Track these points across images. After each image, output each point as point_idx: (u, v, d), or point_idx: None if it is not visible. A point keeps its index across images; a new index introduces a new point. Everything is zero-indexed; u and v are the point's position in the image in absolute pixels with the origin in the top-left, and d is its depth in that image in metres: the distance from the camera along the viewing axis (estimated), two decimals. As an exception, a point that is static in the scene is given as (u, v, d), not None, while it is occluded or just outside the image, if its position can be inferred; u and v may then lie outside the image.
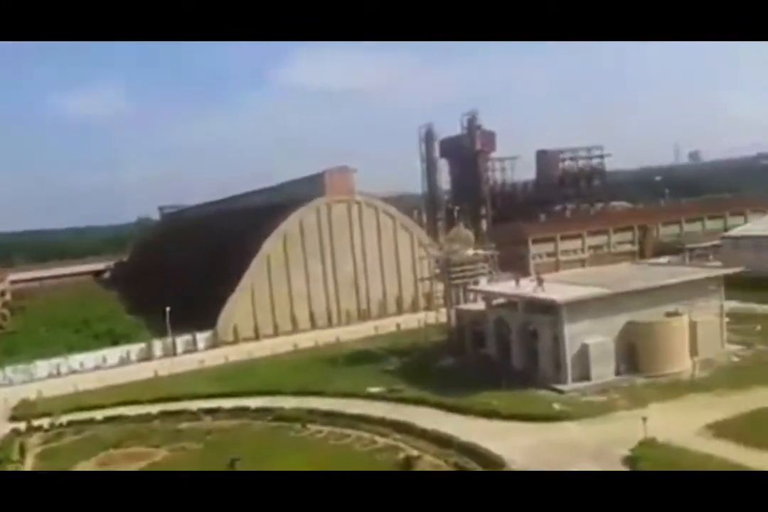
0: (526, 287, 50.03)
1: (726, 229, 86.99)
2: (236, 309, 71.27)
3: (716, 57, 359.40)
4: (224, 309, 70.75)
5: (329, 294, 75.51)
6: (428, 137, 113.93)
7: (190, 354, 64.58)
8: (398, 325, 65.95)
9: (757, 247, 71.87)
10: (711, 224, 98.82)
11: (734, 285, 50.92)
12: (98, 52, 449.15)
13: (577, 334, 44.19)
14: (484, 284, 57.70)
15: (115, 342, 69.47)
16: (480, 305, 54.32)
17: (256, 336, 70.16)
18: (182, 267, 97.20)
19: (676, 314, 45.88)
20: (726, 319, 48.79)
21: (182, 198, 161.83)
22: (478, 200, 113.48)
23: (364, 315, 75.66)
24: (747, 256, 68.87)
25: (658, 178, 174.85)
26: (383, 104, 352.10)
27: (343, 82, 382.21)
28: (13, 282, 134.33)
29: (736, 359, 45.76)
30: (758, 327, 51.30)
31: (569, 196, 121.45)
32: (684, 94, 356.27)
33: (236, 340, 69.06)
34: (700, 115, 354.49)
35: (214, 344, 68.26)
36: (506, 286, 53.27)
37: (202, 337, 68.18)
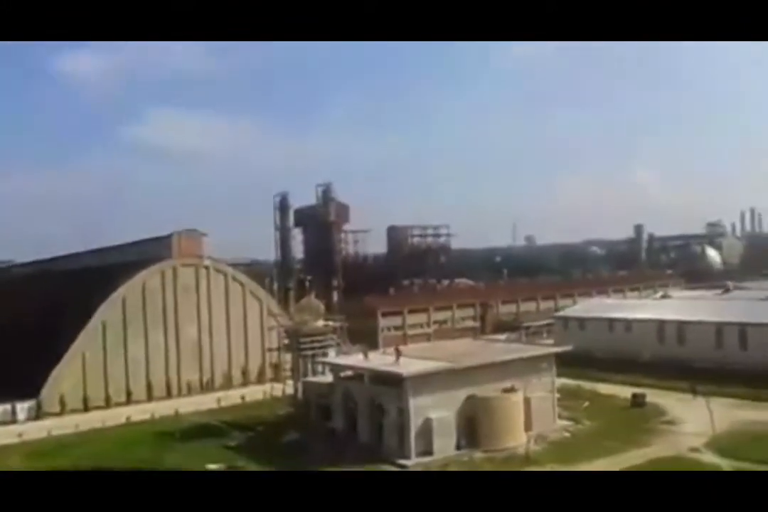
0: (375, 360, 50.69)
1: (557, 309, 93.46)
2: (64, 378, 65.88)
3: (548, 150, 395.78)
4: (50, 378, 65.13)
5: (170, 363, 71.98)
6: (282, 206, 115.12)
7: (7, 426, 58.46)
8: (243, 397, 63.89)
9: (583, 327, 77.85)
10: (544, 304, 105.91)
11: (564, 363, 54.55)
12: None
13: (421, 408, 45.01)
14: (333, 356, 57.81)
15: None
16: (328, 378, 54.14)
17: (86, 408, 64.78)
18: (5, 329, 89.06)
19: (512, 390, 48.11)
20: (557, 395, 51.80)
21: (10, 253, 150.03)
22: (330, 271, 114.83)
23: (207, 387, 72.59)
24: (575, 335, 74.38)
25: (498, 258, 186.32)
26: (237, 170, 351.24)
27: (192, 144, 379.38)
28: None
29: (566, 434, 48.38)
30: (586, 404, 54.80)
31: (417, 271, 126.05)
32: (521, 181, 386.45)
33: (63, 412, 63.38)
34: (536, 202, 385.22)
35: (36, 415, 62.29)
36: (355, 359, 53.67)
37: (22, 407, 61.98)
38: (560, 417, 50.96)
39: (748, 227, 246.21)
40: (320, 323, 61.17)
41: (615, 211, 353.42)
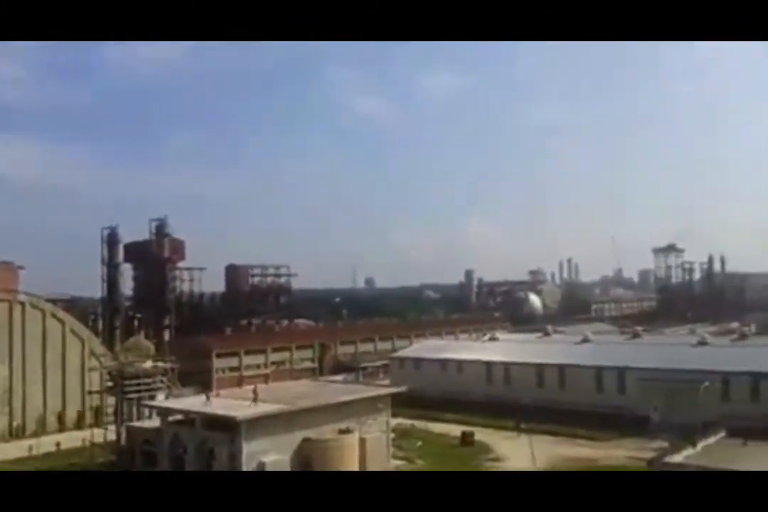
0: (207, 403, 48.67)
1: (394, 350, 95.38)
2: None
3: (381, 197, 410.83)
4: None
5: (-26, 407, 64.78)
6: (111, 240, 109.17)
7: None
8: (59, 444, 58.51)
9: (418, 367, 79.95)
10: (382, 345, 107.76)
11: (399, 403, 55.47)
12: None
13: (255, 452, 43.66)
14: (161, 399, 54.82)
15: None
16: (156, 422, 51.13)
17: None
18: None
19: (348, 431, 48.07)
20: (392, 435, 52.42)
21: None
22: (162, 309, 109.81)
23: (17, 433, 65.82)
24: (410, 375, 76.18)
25: (337, 299, 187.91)
26: (58, 202, 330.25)
27: (9, 173, 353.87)
28: None
29: (399, 474, 48.87)
30: (419, 443, 55.86)
31: (256, 311, 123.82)
32: (362, 224, 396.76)
33: None
34: (375, 246, 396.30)
35: None
36: (185, 402, 51.22)
37: None
38: (394, 456, 51.48)
39: (566, 275, 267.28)
40: (149, 364, 58.08)
41: (448, 256, 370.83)
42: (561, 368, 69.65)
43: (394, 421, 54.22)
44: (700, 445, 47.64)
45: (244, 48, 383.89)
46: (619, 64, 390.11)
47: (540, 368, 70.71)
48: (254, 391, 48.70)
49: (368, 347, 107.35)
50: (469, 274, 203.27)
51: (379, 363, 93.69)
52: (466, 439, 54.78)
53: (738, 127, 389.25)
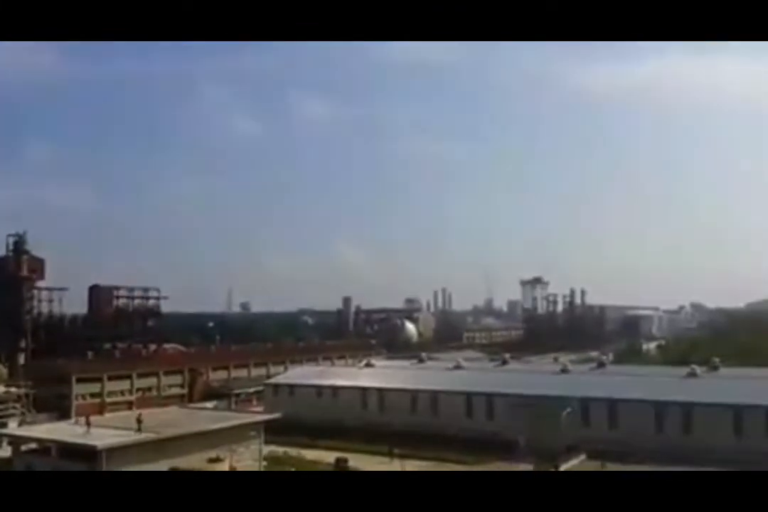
0: (67, 431, 45.62)
1: (269, 376, 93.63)
2: None
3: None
4: None
5: None
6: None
7: None
8: None
9: (293, 394, 78.90)
10: (256, 371, 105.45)
11: (273, 430, 54.22)
12: None
13: (116, 483, 41.15)
14: (14, 427, 50.81)
15: None
16: (7, 451, 47.23)
17: None
18: None
19: (218, 459, 46.46)
20: (264, 463, 51.14)
21: None
22: (17, 331, 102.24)
23: None
24: (285, 401, 74.97)
25: (211, 324, 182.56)
26: None
27: None
28: None
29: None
30: (292, 469, 54.75)
31: (122, 334, 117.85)
32: (237, 246, 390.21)
33: None
34: (251, 270, 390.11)
35: None
36: (41, 430, 47.74)
37: None
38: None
39: (440, 304, 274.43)
40: (1, 389, 53.81)
41: (326, 283, 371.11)
42: (434, 394, 70.96)
43: (267, 449, 52.99)
44: (562, 467, 49.87)
45: (110, 56, 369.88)
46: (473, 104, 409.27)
47: (414, 394, 71.70)
48: (87, 419, 46.60)
49: (242, 373, 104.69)
50: (347, 301, 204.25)
51: (252, 389, 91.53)
52: (340, 465, 54.36)
53: (609, 163, 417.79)
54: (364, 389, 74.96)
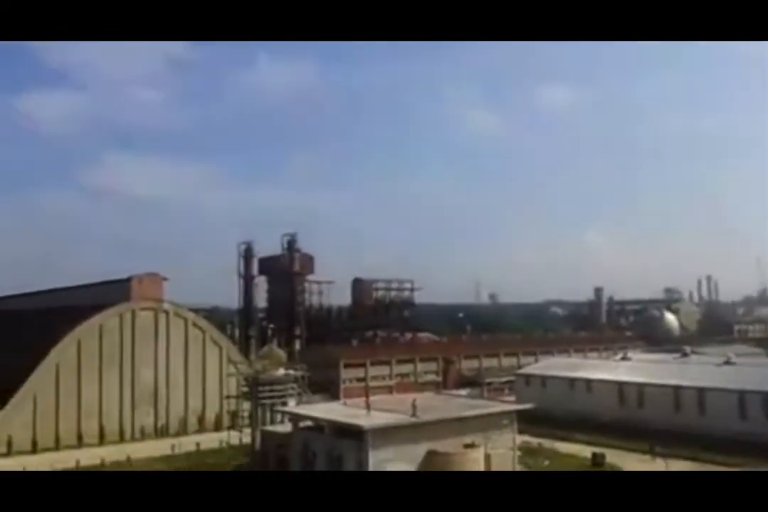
0: (337, 411, 50.13)
1: (520, 367, 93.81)
2: (13, 418, 63.66)
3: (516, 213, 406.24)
4: (-1, 417, 62.93)
5: (124, 407, 70.09)
6: (247, 254, 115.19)
7: (-53, 468, 55.96)
8: (198, 445, 62.19)
9: (544, 385, 78.18)
10: (506, 361, 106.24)
11: (525, 421, 54.45)
12: None
13: (381, 461, 44.35)
14: (292, 406, 56.93)
15: None
16: (287, 427, 53.21)
17: (34, 450, 62.52)
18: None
19: (473, 445, 47.79)
20: (517, 453, 51.57)
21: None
22: (292, 320, 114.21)
23: (161, 432, 70.64)
24: (536, 392, 74.65)
25: (460, 314, 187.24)
26: (197, 216, 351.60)
27: (153, 190, 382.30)
28: None
29: (525, 492, 47.90)
30: (546, 462, 54.60)
31: (381, 323, 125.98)
32: (485, 238, 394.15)
33: (9, 453, 61.04)
34: (498, 262, 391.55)
35: (-19, 456, 59.82)
36: (315, 409, 52.96)
37: (-33, 448, 59.64)
38: (520, 475, 50.62)
39: (704, 294, 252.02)
40: (281, 372, 60.44)
41: (574, 273, 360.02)
42: (700, 391, 65.74)
43: (520, 439, 53.29)
44: None
45: (359, 67, 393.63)
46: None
47: (676, 390, 67.08)
48: (366, 402, 49.78)
49: (492, 362, 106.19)
50: (598, 292, 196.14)
51: (504, 379, 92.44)
52: (597, 460, 52.95)
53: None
54: (621, 383, 71.87)
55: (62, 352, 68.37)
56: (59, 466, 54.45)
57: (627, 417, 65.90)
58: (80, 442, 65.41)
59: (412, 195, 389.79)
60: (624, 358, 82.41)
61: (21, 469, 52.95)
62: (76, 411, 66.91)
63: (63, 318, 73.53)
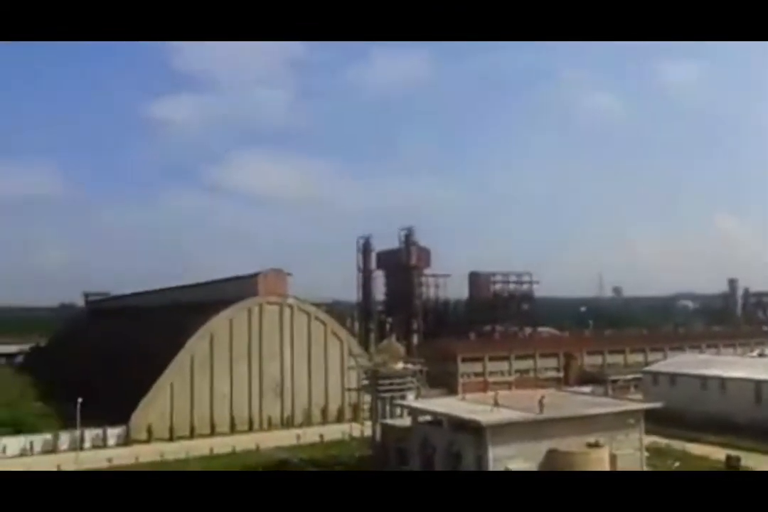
0: (455, 406, 50.20)
1: (647, 364, 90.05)
2: (152, 407, 68.33)
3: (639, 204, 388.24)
4: (139, 406, 67.69)
5: (252, 398, 73.52)
6: (365, 248, 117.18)
7: (98, 450, 60.89)
8: (322, 436, 64.28)
9: (674, 383, 74.58)
10: (632, 357, 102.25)
11: (653, 420, 52.25)
12: (42, 131, 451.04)
13: (500, 458, 44.04)
14: (411, 399, 57.55)
15: (17, 430, 65.04)
16: (406, 421, 53.88)
17: (171, 437, 66.94)
18: (102, 357, 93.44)
19: (597, 445, 46.45)
20: (645, 454, 49.63)
21: (108, 286, 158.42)
22: (410, 314, 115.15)
23: (287, 423, 73.55)
24: (665, 391, 71.33)
25: (583, 308, 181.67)
26: (320, 212, 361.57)
27: (277, 188, 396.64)
28: None
29: (652, 495, 46.08)
30: (676, 464, 52.24)
31: (499, 317, 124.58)
32: (607, 230, 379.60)
33: (149, 439, 65.68)
34: (624, 254, 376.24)
35: (125, 441, 64.68)
36: (434, 403, 53.28)
37: (113, 433, 64.63)
38: (648, 476, 48.67)
39: None
40: (400, 365, 61.12)
41: (705, 264, 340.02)
42: None
43: (648, 439, 51.25)
44: None
45: (470, 55, 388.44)
46: None
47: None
48: (495, 399, 49.16)
49: (617, 359, 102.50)
50: (732, 283, 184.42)
51: (629, 376, 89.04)
52: (731, 463, 50.05)
53: None
54: (758, 382, 67.41)
55: (196, 345, 72.56)
56: (195, 454, 58.01)
57: (764, 419, 61.73)
58: (213, 431, 69.29)
59: (529, 185, 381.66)
60: (762, 355, 77.18)
61: (159, 456, 56.95)
62: (208, 402, 70.89)
63: (195, 313, 77.99)
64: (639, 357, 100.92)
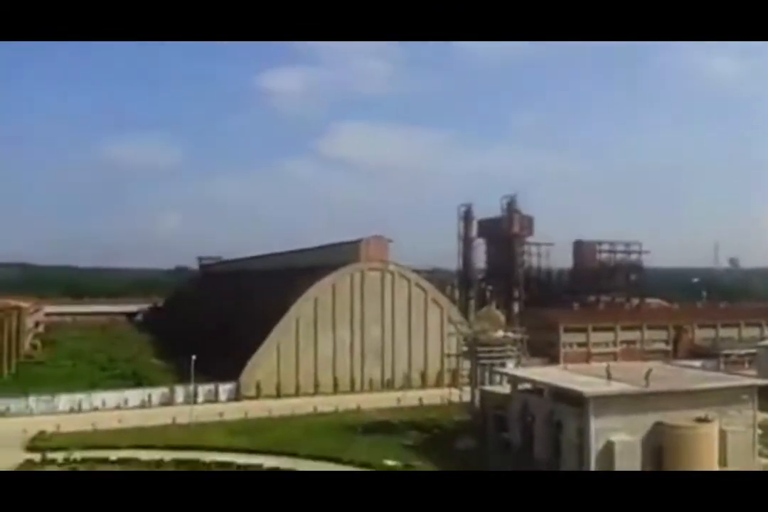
0: (557, 375, 49.59)
1: (763, 338, 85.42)
2: (260, 366, 71.52)
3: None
4: (249, 364, 71.05)
5: (354, 360, 75.47)
6: (467, 216, 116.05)
7: (210, 405, 64.57)
8: (421, 399, 65.30)
9: (794, 360, 70.38)
10: (747, 331, 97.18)
11: (766, 397, 49.68)
12: (158, 105, 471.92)
13: (602, 430, 43.27)
14: (510, 367, 57.29)
15: (138, 383, 69.85)
16: (505, 388, 53.79)
17: (278, 395, 70.03)
18: (214, 318, 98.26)
19: (706, 420, 44.80)
20: (758, 431, 47.45)
21: (215, 251, 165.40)
22: (511, 282, 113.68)
23: (387, 386, 75.17)
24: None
25: (695, 280, 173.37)
26: (423, 181, 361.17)
27: (381, 157, 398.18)
28: (48, 314, 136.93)
29: (766, 474, 44.14)
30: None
31: (604, 288, 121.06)
32: (724, 199, 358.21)
33: (258, 396, 69.03)
34: (742, 222, 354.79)
35: (235, 397, 68.24)
36: (534, 372, 52.83)
37: (224, 389, 68.30)
38: (762, 455, 46.64)
39: None
40: (500, 333, 60.86)
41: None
42: None
43: (762, 416, 48.86)
44: None
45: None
46: None
47: None
48: (608, 371, 47.95)
49: (731, 333, 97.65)
50: None
51: (743, 351, 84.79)
52: None
53: None
54: None
55: (301, 308, 74.99)
56: (300, 411, 60.49)
57: None
58: (316, 390, 71.83)
59: (642, 152, 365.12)
60: None
61: (267, 412, 59.71)
62: (313, 362, 73.42)
63: (301, 278, 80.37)
64: (755, 332, 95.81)
